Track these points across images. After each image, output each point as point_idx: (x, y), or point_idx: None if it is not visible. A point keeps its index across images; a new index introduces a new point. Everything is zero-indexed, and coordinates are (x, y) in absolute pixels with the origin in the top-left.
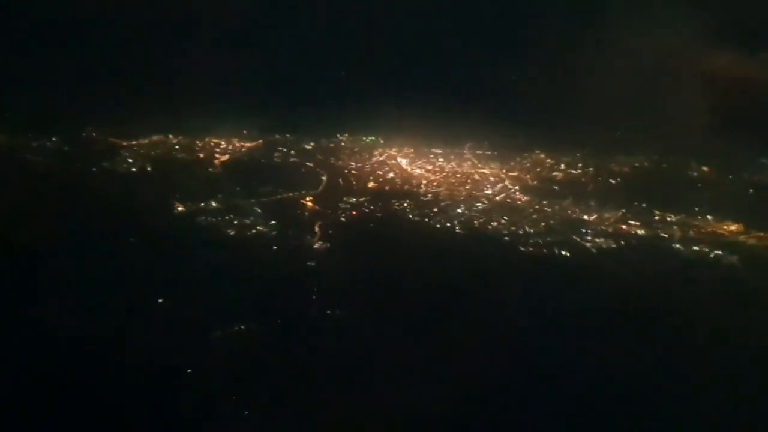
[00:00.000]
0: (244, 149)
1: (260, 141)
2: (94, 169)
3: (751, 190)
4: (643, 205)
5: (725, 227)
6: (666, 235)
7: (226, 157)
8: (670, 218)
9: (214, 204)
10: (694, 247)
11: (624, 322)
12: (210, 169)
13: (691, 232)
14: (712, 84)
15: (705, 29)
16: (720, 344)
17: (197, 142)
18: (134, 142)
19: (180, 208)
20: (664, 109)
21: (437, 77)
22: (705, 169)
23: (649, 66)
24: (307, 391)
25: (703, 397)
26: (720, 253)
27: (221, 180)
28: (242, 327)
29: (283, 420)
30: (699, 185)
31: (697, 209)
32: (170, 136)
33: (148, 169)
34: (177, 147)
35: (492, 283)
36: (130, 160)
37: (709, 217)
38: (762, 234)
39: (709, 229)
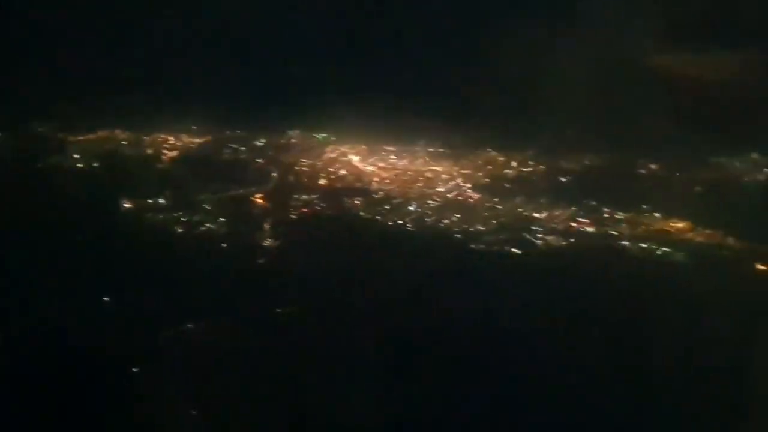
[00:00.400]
0: (192, 145)
1: (209, 137)
2: (39, 165)
3: (699, 188)
4: (593, 202)
5: (673, 225)
6: (615, 233)
7: (175, 152)
8: (620, 216)
9: (162, 201)
10: (642, 245)
11: (572, 320)
12: (158, 165)
13: (639, 229)
14: (662, 82)
15: (656, 27)
16: (667, 342)
17: (145, 137)
18: (81, 138)
19: (128, 205)
20: (616, 108)
21: (392, 74)
22: (654, 167)
23: (602, 65)
24: (258, 391)
25: (648, 395)
26: (668, 250)
27: (170, 176)
28: (192, 326)
29: (234, 420)
30: (649, 183)
31: (646, 207)
32: (117, 131)
33: (95, 165)
34: (124, 142)
35: (443, 281)
36: (77, 156)
37: (657, 214)
38: (710, 232)
39: (657, 227)
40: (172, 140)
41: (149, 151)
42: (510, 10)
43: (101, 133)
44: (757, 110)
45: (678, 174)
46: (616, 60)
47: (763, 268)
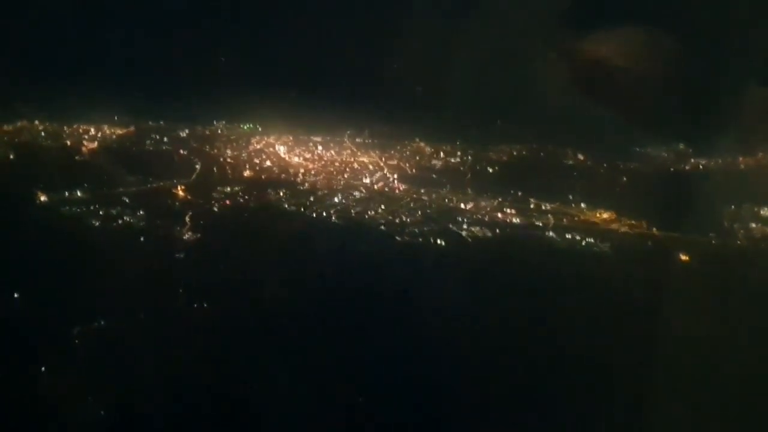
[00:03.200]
0: (114, 136)
1: (132, 128)
2: None
3: (624, 179)
4: (520, 193)
5: (598, 215)
6: (540, 224)
7: (95, 144)
8: (545, 207)
9: (79, 194)
10: (567, 236)
11: (497, 311)
12: (77, 157)
13: (564, 220)
14: (588, 73)
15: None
16: (590, 332)
17: (65, 128)
18: None
19: (43, 198)
20: (543, 98)
21: (320, 65)
22: (581, 157)
23: (530, 55)
24: (173, 388)
25: (571, 383)
26: (591, 241)
27: (89, 168)
28: (102, 323)
29: (144, 418)
30: (575, 174)
31: (571, 197)
32: (36, 122)
33: (11, 157)
34: (43, 134)
35: (365, 273)
36: None
37: (582, 205)
38: (633, 222)
39: (582, 218)
40: (92, 131)
41: (68, 143)
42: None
43: (20, 124)
44: (685, 100)
45: (605, 165)
46: (544, 51)
47: (686, 258)
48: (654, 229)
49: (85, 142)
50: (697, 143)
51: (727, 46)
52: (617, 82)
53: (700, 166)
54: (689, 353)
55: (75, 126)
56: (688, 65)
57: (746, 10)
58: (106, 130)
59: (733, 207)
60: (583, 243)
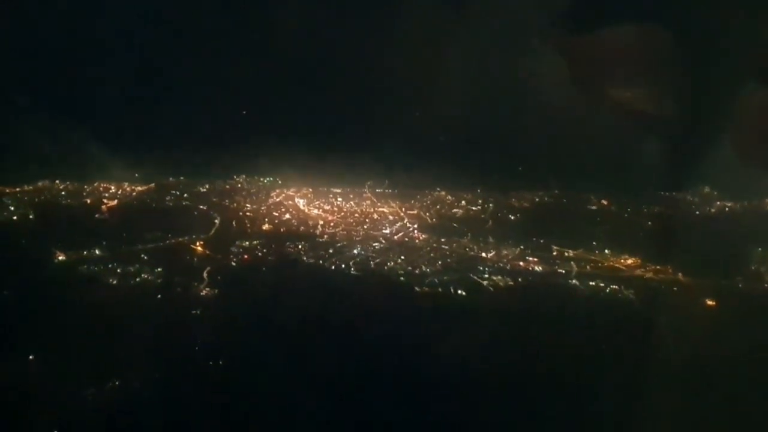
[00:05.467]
0: (134, 193)
1: (152, 184)
2: None
3: (649, 223)
4: (542, 240)
5: (622, 261)
6: (563, 271)
7: (115, 202)
8: (568, 254)
9: (97, 252)
10: (591, 283)
11: (520, 362)
12: (97, 215)
13: (588, 267)
14: (612, 116)
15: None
16: (616, 382)
17: (86, 187)
18: (18, 189)
19: (61, 258)
20: (566, 144)
21: (340, 116)
22: (604, 202)
23: (552, 102)
24: None
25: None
26: (616, 287)
27: (107, 226)
28: (117, 383)
29: None
30: (598, 219)
31: (595, 243)
32: (57, 181)
33: (31, 216)
34: (63, 193)
35: (385, 325)
36: (12, 208)
37: (606, 251)
38: (659, 267)
39: (606, 264)
40: (113, 189)
41: (88, 201)
42: (456, 47)
43: (41, 184)
44: (708, 145)
45: (629, 209)
46: (566, 99)
47: (713, 303)
48: (680, 274)
49: (105, 200)
50: (721, 184)
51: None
52: (649, 128)
53: (726, 209)
54: (719, 400)
55: (95, 184)
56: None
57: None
58: (127, 187)
59: (760, 249)
60: (608, 290)
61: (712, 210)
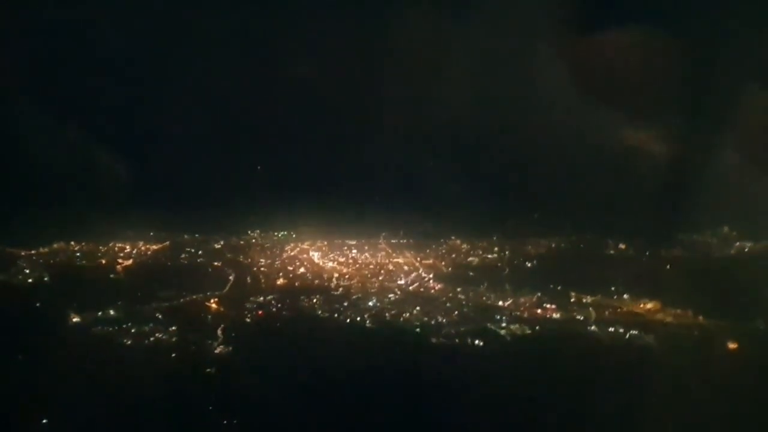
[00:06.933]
0: (149, 252)
1: (167, 242)
2: None
3: (668, 266)
4: (559, 287)
5: (642, 306)
6: (581, 318)
7: (130, 261)
8: (586, 300)
9: (112, 312)
10: (610, 329)
11: (538, 411)
12: (111, 276)
13: (606, 312)
14: (628, 157)
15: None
16: (639, 424)
17: (101, 247)
18: (33, 251)
19: (75, 319)
20: (582, 189)
21: (353, 168)
22: (622, 246)
23: (566, 145)
24: None
25: None
26: (635, 333)
27: (122, 286)
28: None
29: None
30: (617, 264)
31: (613, 288)
32: (72, 242)
33: (46, 279)
34: (78, 254)
35: (402, 378)
36: (27, 271)
37: (625, 296)
38: (679, 311)
39: (625, 309)
40: (128, 248)
41: (103, 262)
42: (464, 96)
43: (56, 246)
44: (728, 184)
45: (647, 253)
46: (582, 141)
47: (734, 346)
48: (700, 317)
49: (119, 260)
50: (740, 224)
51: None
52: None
53: (746, 250)
54: None
55: (110, 244)
56: None
57: None
58: (141, 246)
59: None
60: (627, 336)
61: (732, 251)
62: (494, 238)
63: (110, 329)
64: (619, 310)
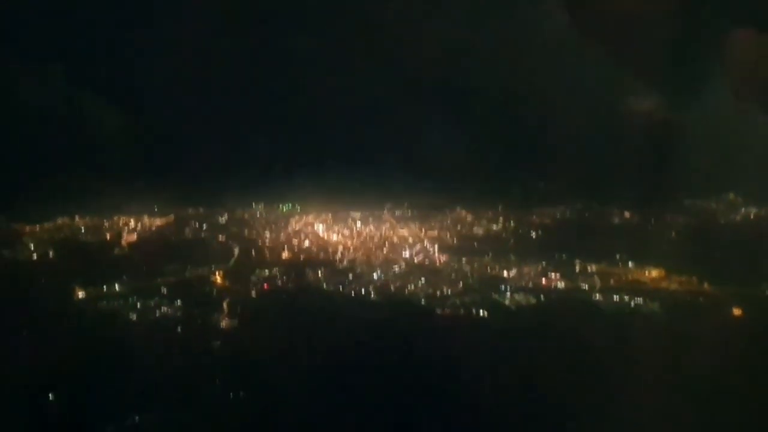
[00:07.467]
0: (153, 227)
1: (171, 216)
2: None
3: (673, 233)
4: (564, 256)
5: (647, 274)
6: (586, 287)
7: (134, 236)
8: (591, 268)
9: (117, 287)
10: (614, 297)
11: (543, 380)
12: (116, 251)
13: (611, 281)
14: (633, 125)
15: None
16: (647, 395)
17: (105, 222)
18: (38, 227)
19: (81, 295)
20: (587, 157)
21: (357, 140)
22: (627, 215)
23: (571, 115)
24: None
25: None
26: (640, 301)
27: (127, 261)
28: (137, 418)
29: None
30: (621, 232)
31: (618, 257)
32: (77, 217)
33: (50, 254)
34: (83, 229)
35: (407, 349)
36: (33, 246)
37: (630, 264)
38: (683, 278)
39: (630, 277)
40: (132, 223)
41: (108, 237)
42: (477, 68)
43: (60, 221)
44: (733, 149)
45: (652, 220)
46: (587, 111)
47: (739, 312)
48: (705, 283)
49: (124, 235)
50: (745, 190)
51: None
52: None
53: (751, 215)
54: (747, 407)
55: (115, 219)
56: None
57: None
58: (146, 220)
59: None
60: (632, 304)
61: (737, 217)
62: (499, 208)
63: (115, 304)
64: (623, 278)
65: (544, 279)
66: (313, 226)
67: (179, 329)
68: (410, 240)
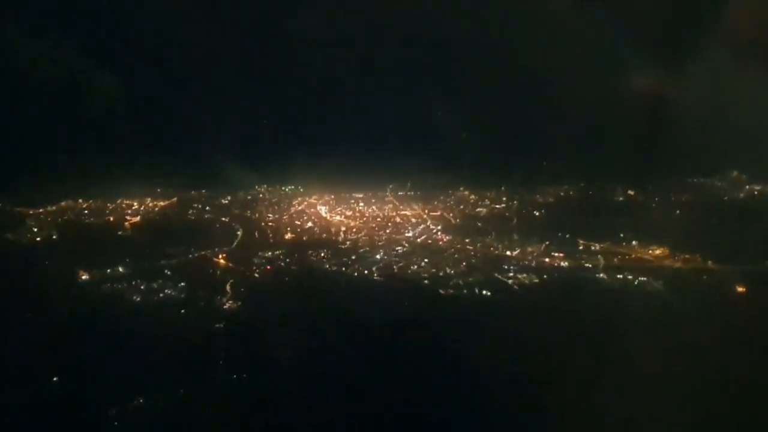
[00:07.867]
0: (156, 209)
1: (174, 198)
2: None
3: (677, 212)
4: (568, 235)
5: (651, 252)
6: (590, 265)
7: (137, 218)
8: (595, 247)
9: (121, 269)
10: (618, 276)
11: (547, 360)
12: (120, 233)
13: (615, 260)
14: (636, 104)
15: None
16: (649, 373)
17: (108, 204)
18: (41, 210)
19: (84, 277)
20: (590, 136)
21: (361, 120)
22: (631, 193)
23: (573, 94)
24: None
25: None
26: (644, 279)
27: (131, 243)
28: (141, 400)
29: None
30: (625, 211)
31: (622, 235)
32: (80, 200)
33: (54, 237)
34: (86, 212)
35: (410, 331)
36: (36, 229)
37: (634, 242)
38: (688, 256)
39: (634, 256)
40: (135, 205)
41: (111, 219)
42: (476, 48)
43: (64, 204)
44: (737, 126)
45: (656, 199)
46: (589, 90)
47: (742, 290)
48: (709, 261)
49: (127, 217)
50: (749, 167)
51: None
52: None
53: (755, 193)
54: (752, 386)
55: (118, 201)
56: None
57: None
58: (149, 203)
59: None
60: (636, 282)
61: (741, 195)
62: (502, 188)
63: (119, 286)
64: (627, 257)
65: (547, 258)
66: (316, 207)
67: (183, 311)
68: (413, 220)
